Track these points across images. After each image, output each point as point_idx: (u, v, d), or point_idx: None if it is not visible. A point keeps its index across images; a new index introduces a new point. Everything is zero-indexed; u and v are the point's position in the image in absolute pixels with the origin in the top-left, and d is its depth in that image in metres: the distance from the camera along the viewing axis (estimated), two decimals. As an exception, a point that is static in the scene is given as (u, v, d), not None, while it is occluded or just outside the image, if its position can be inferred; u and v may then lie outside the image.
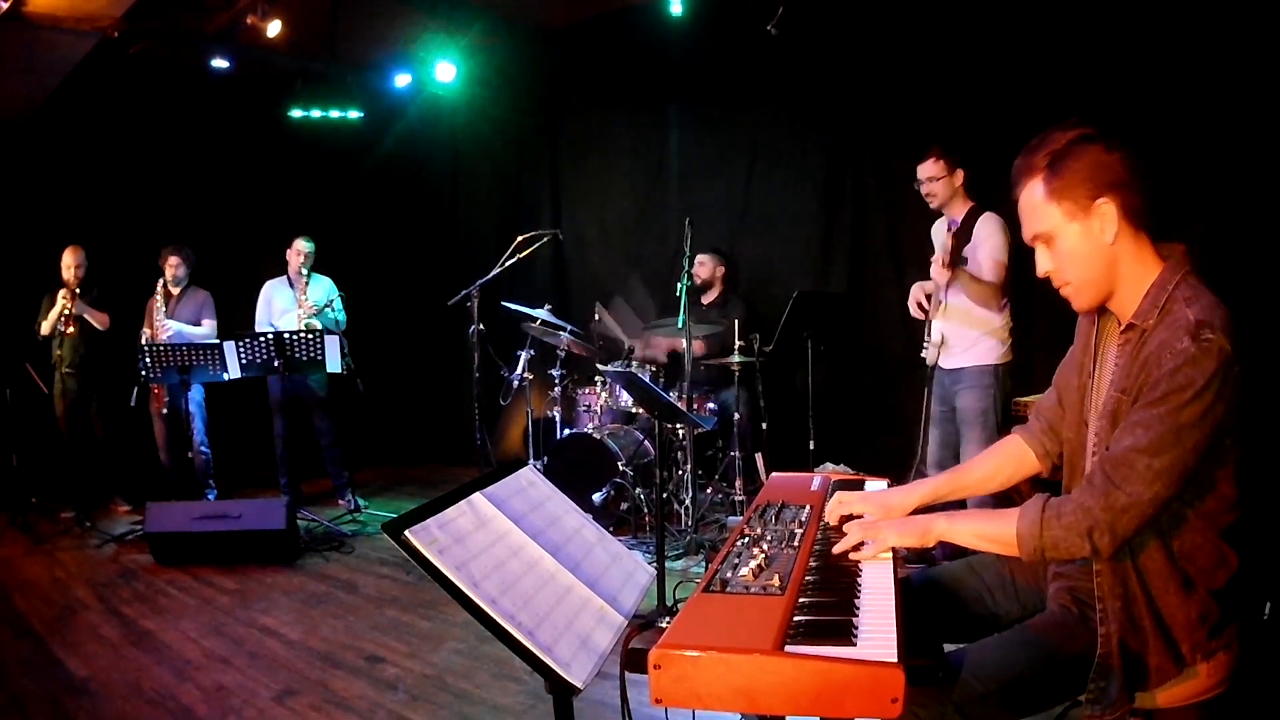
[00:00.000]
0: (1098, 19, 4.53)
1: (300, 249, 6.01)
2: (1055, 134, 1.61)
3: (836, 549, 1.76)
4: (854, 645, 1.34)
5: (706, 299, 5.89)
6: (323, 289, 6.06)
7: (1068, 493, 1.66)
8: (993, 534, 1.65)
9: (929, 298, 4.03)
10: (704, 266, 5.84)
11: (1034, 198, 1.63)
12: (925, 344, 4.12)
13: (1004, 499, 3.38)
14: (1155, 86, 4.36)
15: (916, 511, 1.93)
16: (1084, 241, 1.60)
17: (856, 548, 1.74)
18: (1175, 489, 1.48)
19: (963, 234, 3.94)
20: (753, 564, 1.61)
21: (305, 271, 6.01)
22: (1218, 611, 1.53)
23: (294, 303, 5.97)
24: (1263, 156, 4.07)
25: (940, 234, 4.15)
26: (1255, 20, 4.01)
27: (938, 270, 3.87)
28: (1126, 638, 1.56)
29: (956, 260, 3.86)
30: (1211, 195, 4.23)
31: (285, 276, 6.10)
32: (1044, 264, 1.68)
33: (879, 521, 1.79)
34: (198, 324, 5.97)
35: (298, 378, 5.76)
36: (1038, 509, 1.58)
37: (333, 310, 5.93)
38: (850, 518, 1.88)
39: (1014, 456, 1.97)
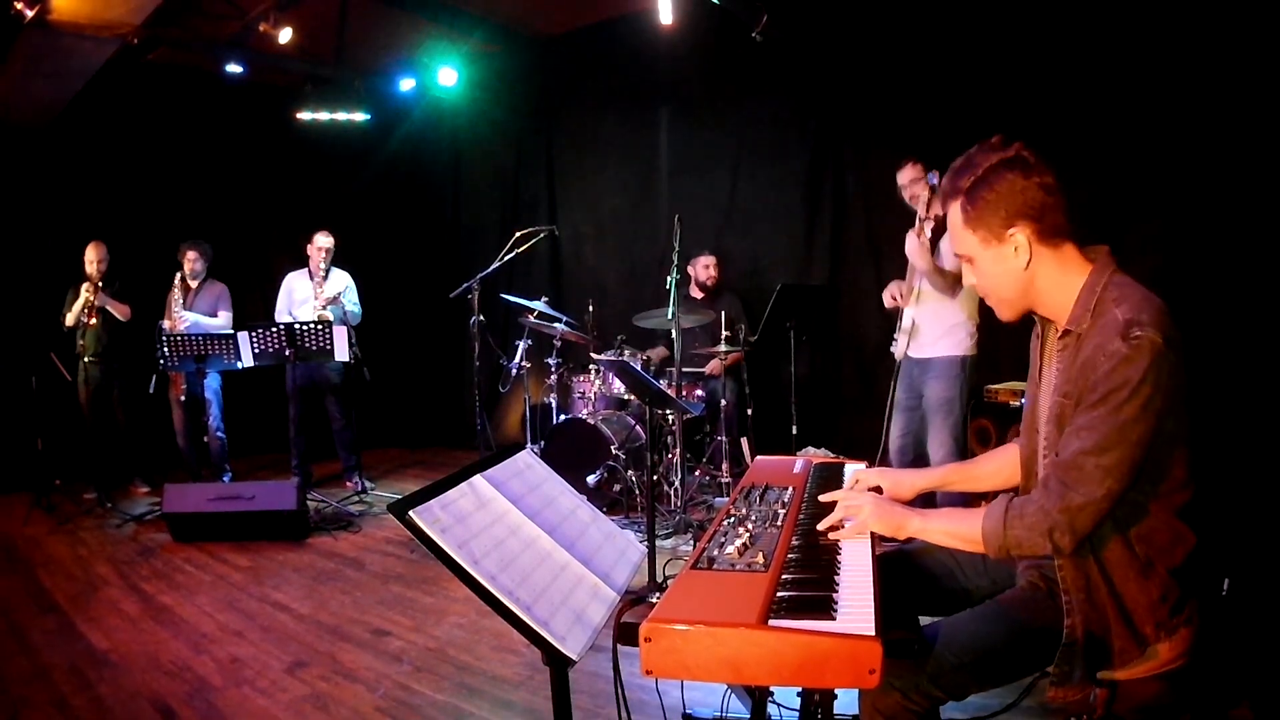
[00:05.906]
0: (1069, 16, 4.52)
1: (321, 244, 5.95)
2: (978, 156, 1.60)
3: (822, 499, 1.82)
4: (834, 620, 1.33)
5: (701, 295, 5.86)
6: (338, 283, 6.01)
7: (1025, 495, 1.65)
8: (961, 532, 1.64)
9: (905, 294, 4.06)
10: (712, 268, 5.83)
11: (956, 221, 1.64)
12: (896, 338, 4.15)
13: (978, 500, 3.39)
14: (1119, 83, 4.37)
15: (919, 496, 2.00)
16: (998, 266, 1.61)
17: (839, 527, 1.75)
18: (1126, 481, 1.46)
19: (939, 227, 3.98)
20: (738, 542, 1.61)
21: (325, 266, 5.96)
22: (1177, 589, 1.52)
23: (313, 293, 5.93)
24: (1220, 154, 4.08)
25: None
26: (1224, 22, 4.01)
27: (912, 241, 3.90)
28: (1091, 625, 1.55)
29: (933, 249, 3.93)
30: (1169, 193, 4.24)
31: (306, 269, 6.04)
32: (969, 278, 1.72)
33: (864, 497, 1.78)
34: (214, 315, 5.92)
35: (315, 365, 5.73)
36: (1001, 509, 1.57)
37: (342, 303, 5.88)
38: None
39: (1013, 461, 1.95)
